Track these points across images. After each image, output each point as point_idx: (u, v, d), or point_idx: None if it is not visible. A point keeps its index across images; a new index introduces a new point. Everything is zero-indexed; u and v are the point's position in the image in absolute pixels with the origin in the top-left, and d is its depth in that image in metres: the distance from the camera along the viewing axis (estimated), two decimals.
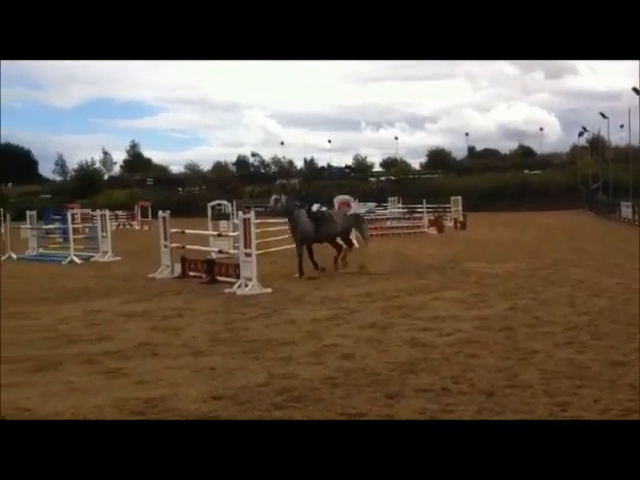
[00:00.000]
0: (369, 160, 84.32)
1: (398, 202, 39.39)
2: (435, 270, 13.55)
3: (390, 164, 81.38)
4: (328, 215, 14.24)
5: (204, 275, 12.77)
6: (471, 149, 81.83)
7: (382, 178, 77.62)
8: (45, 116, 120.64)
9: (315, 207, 14.18)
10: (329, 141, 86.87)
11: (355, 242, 15.56)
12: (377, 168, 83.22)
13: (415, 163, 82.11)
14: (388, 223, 30.48)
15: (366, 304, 9.41)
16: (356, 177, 75.49)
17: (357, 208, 23.28)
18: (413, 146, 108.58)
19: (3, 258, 19.89)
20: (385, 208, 39.80)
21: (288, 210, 13.89)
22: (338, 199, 21.84)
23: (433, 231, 27.33)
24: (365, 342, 6.89)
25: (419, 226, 27.98)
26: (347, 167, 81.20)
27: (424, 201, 30.10)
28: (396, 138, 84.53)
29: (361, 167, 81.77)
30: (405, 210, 35.37)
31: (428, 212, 29.83)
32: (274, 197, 14.01)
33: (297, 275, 13.00)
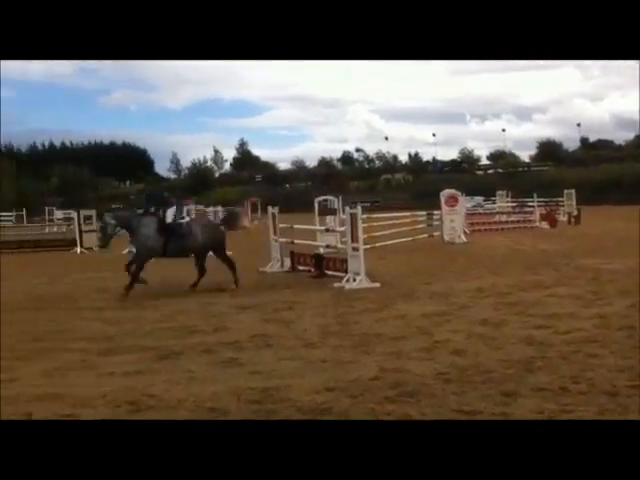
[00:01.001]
0: (476, 153, 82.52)
1: (507, 196, 38.34)
2: (549, 266, 13.09)
3: (498, 157, 79.28)
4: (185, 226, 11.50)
5: (313, 269, 12.95)
6: (584, 140, 78.25)
7: (490, 171, 75.81)
8: (158, 117, 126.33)
9: (169, 214, 11.37)
10: (433, 135, 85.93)
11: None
12: (484, 161, 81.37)
13: (524, 155, 79.62)
14: (497, 217, 29.78)
15: (477, 300, 9.24)
16: (463, 171, 74.07)
17: (463, 202, 22.89)
18: (521, 138, 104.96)
19: (124, 252, 20.98)
20: (493, 202, 38.85)
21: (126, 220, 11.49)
22: (445, 193, 21.53)
23: (545, 226, 26.40)
24: (477, 338, 6.77)
25: (530, 220, 27.10)
26: (453, 161, 79.85)
27: (535, 195, 29.13)
28: (503, 130, 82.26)
29: (468, 160, 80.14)
30: (515, 204, 34.40)
31: (539, 206, 28.84)
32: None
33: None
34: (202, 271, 11.51)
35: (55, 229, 33.74)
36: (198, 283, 11.39)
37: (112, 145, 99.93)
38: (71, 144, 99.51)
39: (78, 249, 22.82)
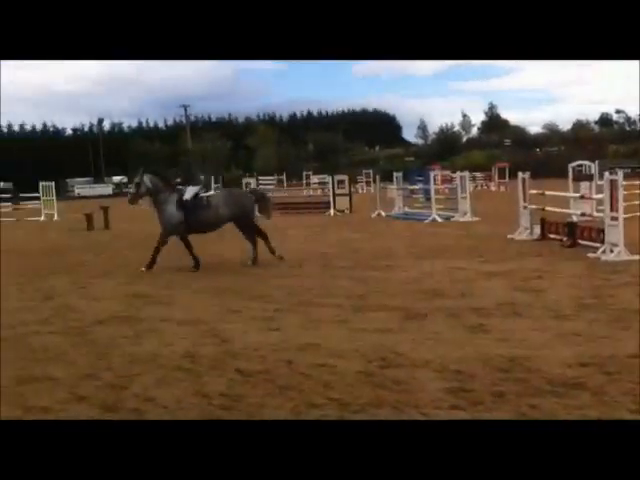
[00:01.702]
0: None
1: None
2: None
3: None
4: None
5: (565, 238, 12.33)
6: None
7: None
8: (408, 83, 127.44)
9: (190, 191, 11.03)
10: None
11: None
12: None
13: None
14: None
15: None
16: None
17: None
18: None
19: (373, 215, 21.80)
20: None
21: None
22: None
23: None
24: None
25: None
26: None
27: None
28: None
29: None
30: None
31: None
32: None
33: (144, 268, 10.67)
34: (254, 243, 11.16)
35: (311, 192, 36.00)
36: (256, 258, 11.05)
37: (364, 112, 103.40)
38: (327, 113, 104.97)
39: (332, 211, 24.15)
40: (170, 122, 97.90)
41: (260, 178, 34.82)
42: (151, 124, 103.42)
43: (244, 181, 26.25)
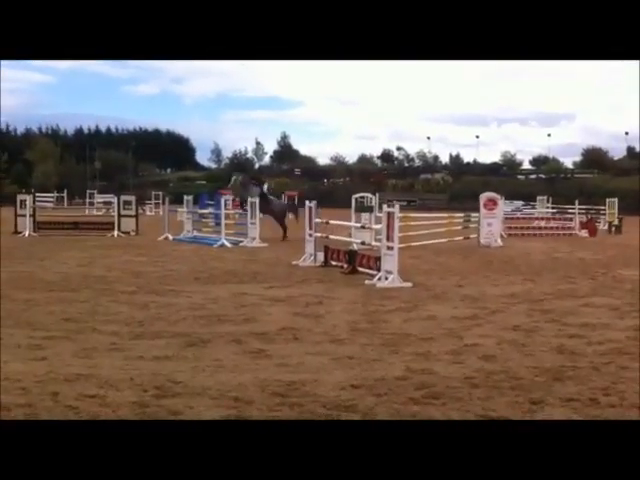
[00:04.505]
0: (518, 157, 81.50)
1: (547, 202, 37.76)
2: (586, 274, 12.86)
3: (541, 162, 78.15)
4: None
5: (345, 265, 12.93)
6: (630, 149, 76.61)
7: (532, 176, 74.75)
8: (203, 106, 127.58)
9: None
10: (477, 137, 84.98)
11: None
12: (526, 166, 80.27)
13: (568, 162, 78.34)
14: (535, 223, 29.35)
15: (510, 305, 9.12)
16: (504, 174, 73.18)
17: (502, 206, 22.65)
18: (566, 144, 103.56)
19: (160, 238, 21.25)
20: (533, 207, 38.32)
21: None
22: (484, 196, 21.28)
23: (585, 234, 25.92)
24: (508, 344, 6.68)
25: (569, 227, 26.63)
26: (494, 164, 78.96)
27: (576, 202, 28.63)
28: (548, 135, 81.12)
29: (509, 164, 79.17)
30: (555, 210, 33.86)
31: (580, 213, 28.31)
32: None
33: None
34: None
35: (95, 212, 34.32)
36: None
37: (156, 132, 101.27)
38: (116, 129, 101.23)
39: (115, 232, 23.15)
40: None
41: (38, 195, 32.38)
42: None
43: (18, 198, 24.17)
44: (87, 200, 40.83)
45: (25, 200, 23.56)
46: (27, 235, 22.45)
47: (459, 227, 20.53)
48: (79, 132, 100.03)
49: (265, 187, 21.47)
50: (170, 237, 21.37)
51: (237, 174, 22.99)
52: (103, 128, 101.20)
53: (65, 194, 45.47)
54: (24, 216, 23.20)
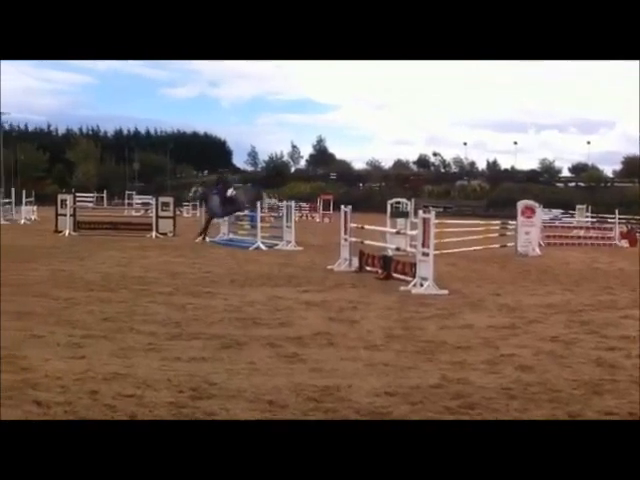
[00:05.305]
0: (557, 165, 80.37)
1: (587, 210, 37.18)
2: (626, 286, 12.60)
3: (580, 170, 76.96)
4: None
5: (380, 271, 12.90)
6: None
7: (571, 184, 73.68)
8: (239, 109, 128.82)
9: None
10: (515, 143, 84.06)
11: None
12: (565, 173, 79.14)
13: (608, 170, 77.03)
14: (574, 232, 28.90)
15: (548, 316, 8.99)
16: (542, 182, 72.27)
17: (540, 214, 22.34)
18: (605, 152, 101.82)
19: (197, 240, 21.46)
20: (572, 216, 37.78)
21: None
22: (522, 204, 21.02)
23: (625, 244, 25.43)
24: (545, 355, 6.59)
25: (609, 237, 26.15)
26: (532, 171, 78.03)
27: (617, 211, 28.11)
28: (588, 142, 79.83)
29: (548, 171, 78.12)
30: (594, 219, 33.32)
31: (620, 223, 27.78)
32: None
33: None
34: None
35: (133, 213, 34.78)
36: None
37: (194, 135, 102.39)
38: (155, 132, 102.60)
39: (153, 234, 23.45)
40: None
41: (78, 195, 32.97)
42: None
43: (59, 197, 24.64)
44: (126, 201, 41.44)
45: (66, 200, 24.05)
46: (67, 234, 22.89)
47: (496, 234, 20.31)
48: (119, 133, 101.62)
49: (229, 192, 21.81)
50: (207, 239, 21.56)
51: (196, 186, 25.93)
52: (142, 130, 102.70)
53: (105, 194, 46.20)
54: (64, 215, 23.69)
